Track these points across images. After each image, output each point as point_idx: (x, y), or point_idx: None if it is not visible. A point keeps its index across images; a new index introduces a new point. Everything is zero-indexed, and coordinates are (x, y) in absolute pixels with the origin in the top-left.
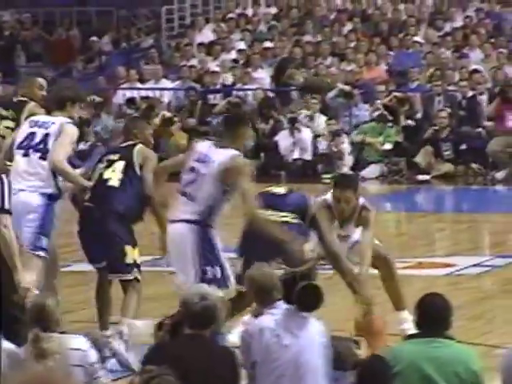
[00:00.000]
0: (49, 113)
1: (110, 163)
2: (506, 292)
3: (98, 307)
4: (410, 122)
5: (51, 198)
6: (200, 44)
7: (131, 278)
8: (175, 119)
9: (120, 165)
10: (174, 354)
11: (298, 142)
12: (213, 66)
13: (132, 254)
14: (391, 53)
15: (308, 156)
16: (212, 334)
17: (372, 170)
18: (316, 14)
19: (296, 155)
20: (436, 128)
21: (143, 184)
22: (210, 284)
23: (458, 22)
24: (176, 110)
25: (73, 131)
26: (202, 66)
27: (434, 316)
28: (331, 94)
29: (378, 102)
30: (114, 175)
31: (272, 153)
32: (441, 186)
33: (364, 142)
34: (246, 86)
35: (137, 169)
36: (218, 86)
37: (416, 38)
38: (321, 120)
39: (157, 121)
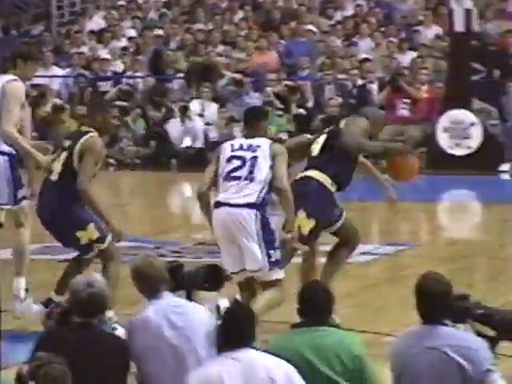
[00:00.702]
0: None
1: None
2: (394, 280)
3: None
4: (301, 110)
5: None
6: (91, 31)
7: (94, 254)
8: (66, 107)
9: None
10: (62, 342)
11: (189, 130)
12: (103, 53)
13: (85, 235)
14: (282, 41)
15: (199, 144)
16: (99, 322)
17: None
18: (207, 1)
19: (187, 143)
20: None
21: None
22: (274, 267)
23: (349, 11)
24: (66, 97)
25: (15, 89)
26: (92, 54)
27: (316, 304)
28: (222, 83)
29: (269, 89)
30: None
31: (163, 141)
32: None
33: None
34: (137, 74)
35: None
36: (109, 74)
37: (307, 27)
38: (212, 108)
39: (47, 108)
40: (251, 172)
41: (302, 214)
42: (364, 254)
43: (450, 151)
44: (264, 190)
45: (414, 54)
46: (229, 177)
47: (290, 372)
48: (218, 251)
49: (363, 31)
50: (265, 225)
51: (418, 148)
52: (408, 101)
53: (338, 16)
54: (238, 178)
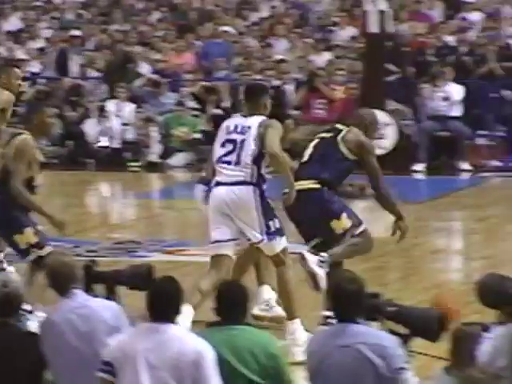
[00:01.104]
0: None
1: None
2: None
3: None
4: (217, 110)
5: None
6: (8, 32)
7: (32, 259)
8: None
9: None
10: None
11: (105, 130)
12: (20, 53)
13: (23, 239)
14: (199, 42)
15: (116, 144)
16: (16, 321)
17: (179, 159)
18: (124, 2)
19: (104, 143)
20: None
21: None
22: (275, 236)
23: (265, 12)
24: None
25: None
26: (9, 54)
27: (231, 303)
28: (138, 83)
29: (186, 90)
30: None
31: (79, 141)
32: None
33: (170, 132)
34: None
35: None
36: (27, 75)
37: (223, 28)
38: (129, 108)
39: None
40: (239, 156)
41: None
42: None
43: None
44: (255, 169)
45: (329, 55)
46: (221, 161)
47: (201, 359)
48: (136, 250)
49: (279, 32)
50: (262, 197)
51: None
52: (324, 101)
53: (254, 17)
54: (228, 162)
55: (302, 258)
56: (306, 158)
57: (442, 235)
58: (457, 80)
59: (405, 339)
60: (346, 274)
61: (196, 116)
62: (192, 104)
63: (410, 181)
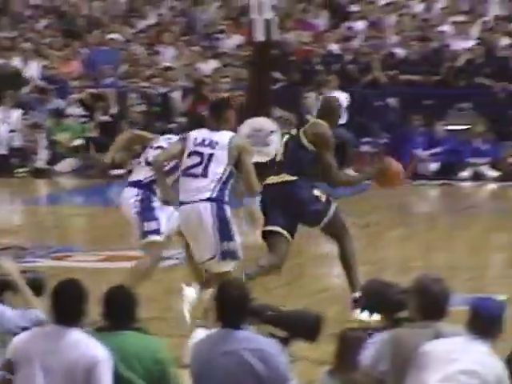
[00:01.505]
0: None
1: None
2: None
3: None
4: (105, 117)
5: None
6: None
7: None
8: None
9: None
10: None
11: None
12: None
13: None
14: (86, 49)
15: (3, 151)
16: None
17: (66, 165)
18: (12, 9)
19: None
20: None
21: None
22: (227, 257)
23: (152, 20)
24: None
25: None
26: None
27: (119, 308)
28: (25, 90)
29: (73, 97)
30: None
31: None
32: None
33: (55, 138)
34: None
35: None
36: None
37: (111, 35)
38: (16, 115)
39: None
40: (206, 169)
41: None
42: (168, 258)
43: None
44: (219, 186)
45: (216, 63)
46: (186, 173)
47: (96, 364)
48: (23, 256)
49: (166, 40)
50: (221, 216)
51: None
52: None
53: (141, 25)
54: (195, 175)
55: None
56: None
57: (325, 241)
58: (342, 88)
59: (284, 342)
60: (232, 280)
61: (84, 123)
62: (79, 111)
63: None
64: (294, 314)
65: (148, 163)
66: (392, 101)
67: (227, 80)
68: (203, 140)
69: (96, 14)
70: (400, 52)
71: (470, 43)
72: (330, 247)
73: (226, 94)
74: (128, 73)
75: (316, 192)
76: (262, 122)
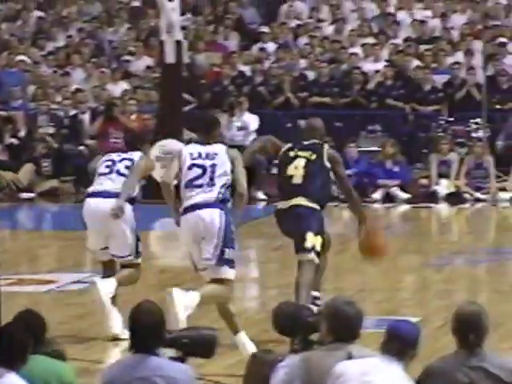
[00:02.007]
0: None
1: None
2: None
3: None
4: (13, 140)
5: None
6: None
7: None
8: None
9: None
10: None
11: None
12: None
13: None
14: None
15: None
16: None
17: None
18: None
19: None
20: (38, 146)
21: None
22: (224, 264)
23: (61, 42)
24: None
25: None
26: None
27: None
28: None
29: None
30: None
31: None
32: (45, 203)
33: None
34: None
35: None
36: None
37: (19, 57)
38: None
39: None
40: (212, 179)
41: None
42: (76, 282)
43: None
44: (223, 191)
45: (126, 85)
46: (191, 185)
47: None
48: None
49: (75, 62)
50: (227, 223)
51: None
52: (120, 131)
53: (50, 47)
54: (200, 185)
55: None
56: None
57: (238, 264)
58: (252, 110)
59: (180, 361)
60: (145, 304)
61: None
62: None
63: None
64: (189, 334)
65: (121, 174)
66: (303, 123)
67: (133, 102)
68: (199, 154)
69: (4, 36)
70: (310, 74)
71: (381, 65)
72: (242, 270)
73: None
74: (37, 95)
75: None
76: (171, 144)
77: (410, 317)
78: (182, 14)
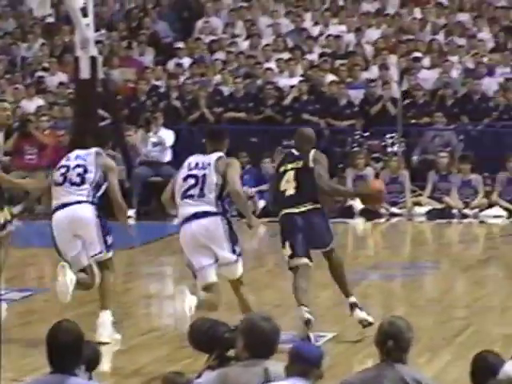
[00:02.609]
0: None
1: None
2: (24, 325)
3: None
4: None
5: None
6: None
7: None
8: None
9: None
10: None
11: None
12: None
13: None
14: None
15: None
16: None
17: None
18: None
19: None
20: None
21: None
22: (239, 258)
23: None
24: None
25: None
26: None
27: None
28: None
29: None
30: None
31: None
32: None
33: None
34: None
35: None
36: None
37: None
38: None
39: None
40: (202, 189)
41: None
42: None
43: None
44: (218, 200)
45: (40, 101)
46: (185, 195)
47: None
48: None
49: None
50: (229, 226)
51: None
52: (35, 147)
53: None
54: (192, 196)
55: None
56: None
57: (154, 280)
58: (168, 125)
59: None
60: (64, 323)
61: None
62: None
63: (121, 226)
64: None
65: (73, 183)
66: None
67: (46, 118)
68: (197, 163)
69: None
70: (226, 89)
71: (296, 80)
72: (158, 286)
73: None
74: None
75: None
76: None
77: (326, 332)
78: (97, 29)
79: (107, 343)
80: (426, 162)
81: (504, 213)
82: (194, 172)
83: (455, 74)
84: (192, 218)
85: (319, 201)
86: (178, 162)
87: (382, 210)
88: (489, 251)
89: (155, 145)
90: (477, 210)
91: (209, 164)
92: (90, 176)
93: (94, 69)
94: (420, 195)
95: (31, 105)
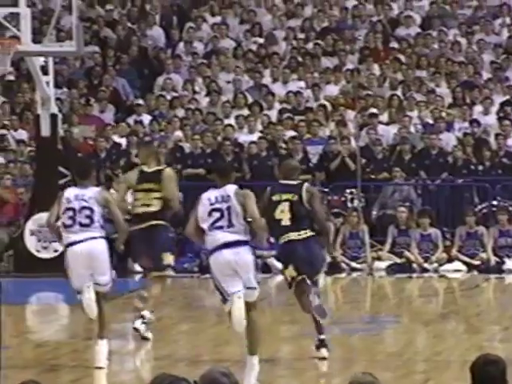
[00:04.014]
0: None
1: None
2: None
3: None
4: None
5: None
6: None
7: None
8: None
9: None
10: None
11: None
12: None
13: None
14: None
15: None
16: None
17: None
18: None
19: None
20: None
21: None
22: (258, 286)
23: None
24: None
25: None
26: None
27: None
28: None
29: None
30: None
31: None
32: None
33: None
34: None
35: None
36: None
37: None
38: None
39: None
40: (230, 220)
41: None
42: None
43: (37, 254)
44: (245, 228)
45: (0, 159)
46: (213, 227)
47: None
48: None
49: None
50: (255, 254)
51: (6, 251)
52: None
53: None
54: (221, 227)
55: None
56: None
57: (115, 336)
58: None
59: None
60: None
61: None
62: None
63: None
64: None
65: (83, 225)
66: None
67: (8, 176)
68: (216, 198)
69: None
70: (186, 145)
71: (255, 136)
72: (120, 343)
73: None
74: None
75: None
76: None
77: None
78: (59, 86)
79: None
80: (385, 216)
81: (463, 267)
82: (217, 206)
83: (413, 129)
84: (224, 247)
85: (314, 228)
86: None
87: (343, 265)
88: (449, 305)
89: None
90: (436, 264)
91: (228, 196)
92: (97, 214)
93: (54, 126)
94: (380, 250)
95: None
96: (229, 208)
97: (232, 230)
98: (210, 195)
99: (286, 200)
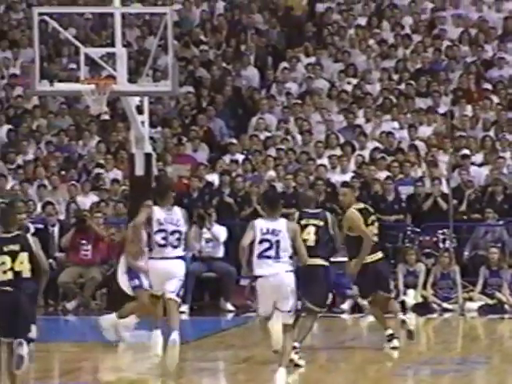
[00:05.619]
0: None
1: None
2: None
3: None
4: None
5: None
6: None
7: None
8: None
9: None
10: None
11: None
12: None
13: None
14: None
15: None
16: None
17: None
18: None
19: None
20: None
21: None
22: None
23: (30, 156)
24: None
25: None
26: None
27: None
28: None
29: None
30: None
31: None
32: None
33: None
34: None
35: None
36: None
37: None
38: None
39: None
40: (277, 253)
41: None
42: None
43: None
44: (290, 259)
45: (95, 197)
46: (262, 256)
47: None
48: None
49: (41, 175)
50: (295, 282)
51: (99, 289)
52: (89, 243)
53: (19, 160)
54: (268, 257)
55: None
56: None
57: (206, 375)
58: (221, 221)
59: None
60: None
61: None
62: None
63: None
64: None
65: (174, 246)
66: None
67: (100, 215)
68: (267, 229)
69: None
70: (278, 185)
71: (348, 176)
72: (211, 382)
73: None
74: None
75: None
76: None
77: None
78: (153, 126)
79: None
80: (477, 257)
81: None
82: (268, 237)
83: (506, 170)
84: (271, 275)
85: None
86: (230, 257)
87: (434, 306)
88: None
89: (208, 241)
90: None
91: (280, 231)
92: (183, 237)
93: (148, 165)
94: (471, 291)
95: (86, 201)
96: (278, 242)
97: (278, 260)
98: (262, 225)
99: (313, 225)
